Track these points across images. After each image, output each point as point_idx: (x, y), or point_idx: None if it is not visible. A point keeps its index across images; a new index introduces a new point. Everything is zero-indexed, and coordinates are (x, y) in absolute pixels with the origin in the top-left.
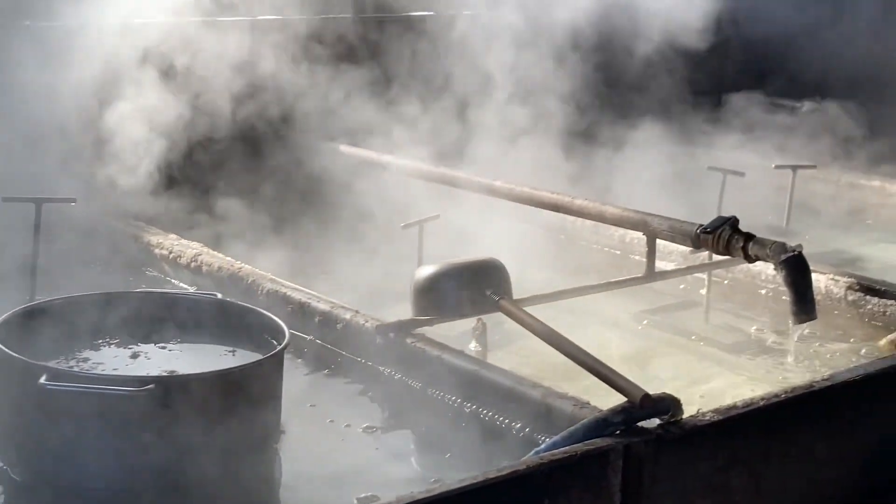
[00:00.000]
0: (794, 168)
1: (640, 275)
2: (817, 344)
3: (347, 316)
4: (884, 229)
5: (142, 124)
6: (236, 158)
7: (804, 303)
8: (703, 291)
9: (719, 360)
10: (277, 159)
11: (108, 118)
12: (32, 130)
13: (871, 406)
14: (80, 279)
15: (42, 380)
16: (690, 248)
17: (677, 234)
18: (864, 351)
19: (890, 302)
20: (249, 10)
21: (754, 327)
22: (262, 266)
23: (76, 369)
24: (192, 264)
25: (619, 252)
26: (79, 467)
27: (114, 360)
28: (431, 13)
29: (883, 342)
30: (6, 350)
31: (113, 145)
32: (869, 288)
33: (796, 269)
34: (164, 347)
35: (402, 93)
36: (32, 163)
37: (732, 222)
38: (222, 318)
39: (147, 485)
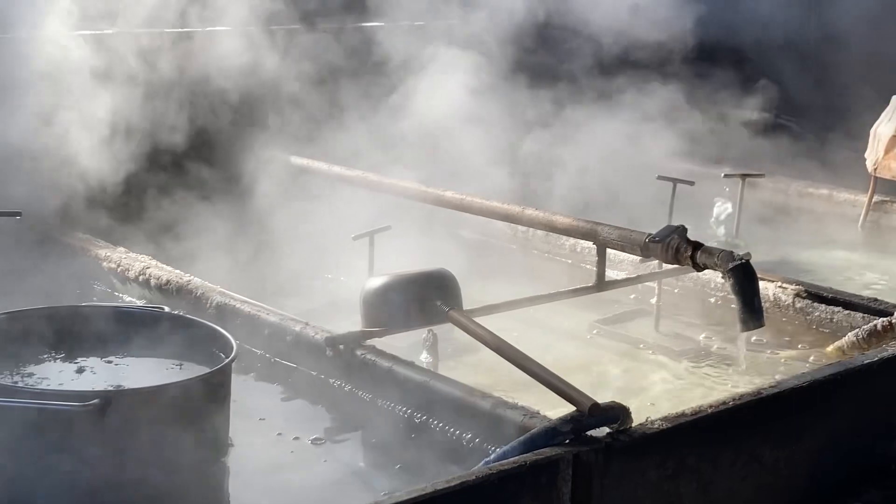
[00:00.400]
0: (743, 177)
1: (590, 284)
2: (769, 351)
3: (297, 328)
4: (832, 237)
5: (87, 136)
6: (185, 172)
7: (752, 310)
8: (654, 300)
9: (669, 368)
10: (226, 171)
11: (54, 130)
12: None
13: (818, 412)
14: (26, 293)
15: None
16: (640, 258)
17: (627, 243)
18: (812, 358)
19: (837, 309)
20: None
21: (703, 335)
22: (211, 279)
23: (20, 384)
24: (141, 277)
25: (570, 261)
26: (22, 484)
27: (59, 375)
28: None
29: (830, 349)
30: None
31: (58, 157)
32: (816, 295)
33: (744, 277)
34: (110, 362)
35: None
36: None
37: (681, 231)
38: (169, 332)
39: (92, 502)
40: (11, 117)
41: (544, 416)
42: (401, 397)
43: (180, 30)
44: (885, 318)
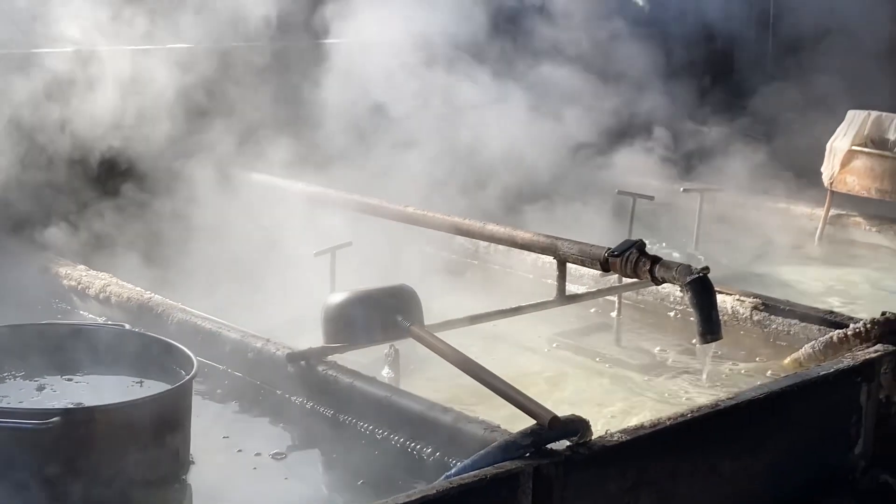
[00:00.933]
0: (702, 191)
1: (551, 298)
2: (730, 363)
3: (258, 344)
4: (788, 250)
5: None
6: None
7: (710, 323)
8: (614, 314)
9: (628, 381)
10: (188, 189)
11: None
12: None
13: (775, 423)
14: None
15: None
16: (600, 272)
17: (587, 257)
18: (769, 372)
19: (793, 321)
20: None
21: (658, 348)
22: (172, 296)
23: None
24: (101, 295)
25: (531, 276)
26: None
27: (19, 393)
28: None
29: (787, 360)
30: None
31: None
32: (773, 308)
33: (701, 291)
34: (70, 379)
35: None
36: None
37: (639, 245)
38: (130, 349)
39: None
40: None
41: (505, 430)
42: (362, 413)
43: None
44: (840, 330)
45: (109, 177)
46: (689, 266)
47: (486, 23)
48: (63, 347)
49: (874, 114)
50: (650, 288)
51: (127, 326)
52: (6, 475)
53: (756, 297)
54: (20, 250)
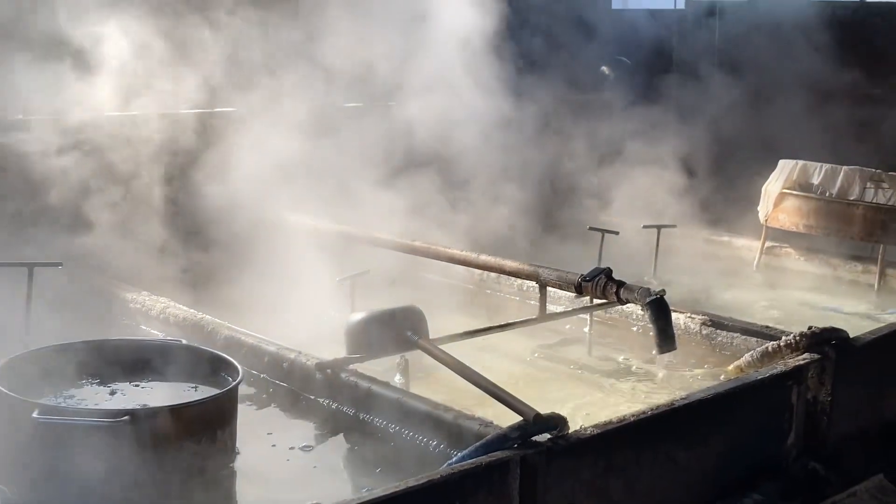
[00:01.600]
0: (659, 227)
1: (534, 316)
2: (687, 370)
3: (292, 356)
4: (730, 275)
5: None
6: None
7: (666, 337)
8: (586, 329)
9: (599, 384)
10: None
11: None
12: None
13: (722, 419)
14: (67, 330)
15: (35, 414)
16: (575, 294)
17: (563, 282)
18: (722, 377)
19: (735, 335)
20: None
21: (622, 357)
22: (221, 316)
23: (63, 404)
24: (161, 316)
25: (517, 298)
26: (65, 487)
27: (95, 397)
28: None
29: (730, 368)
30: (4, 390)
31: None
32: (719, 324)
33: (659, 310)
34: (137, 385)
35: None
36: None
37: (607, 272)
38: (186, 360)
39: (125, 501)
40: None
41: (497, 426)
42: (379, 412)
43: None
44: (774, 342)
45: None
46: (649, 289)
47: None
48: (131, 359)
49: (801, 162)
50: (616, 307)
51: (183, 341)
52: (84, 464)
53: (704, 315)
54: (97, 280)
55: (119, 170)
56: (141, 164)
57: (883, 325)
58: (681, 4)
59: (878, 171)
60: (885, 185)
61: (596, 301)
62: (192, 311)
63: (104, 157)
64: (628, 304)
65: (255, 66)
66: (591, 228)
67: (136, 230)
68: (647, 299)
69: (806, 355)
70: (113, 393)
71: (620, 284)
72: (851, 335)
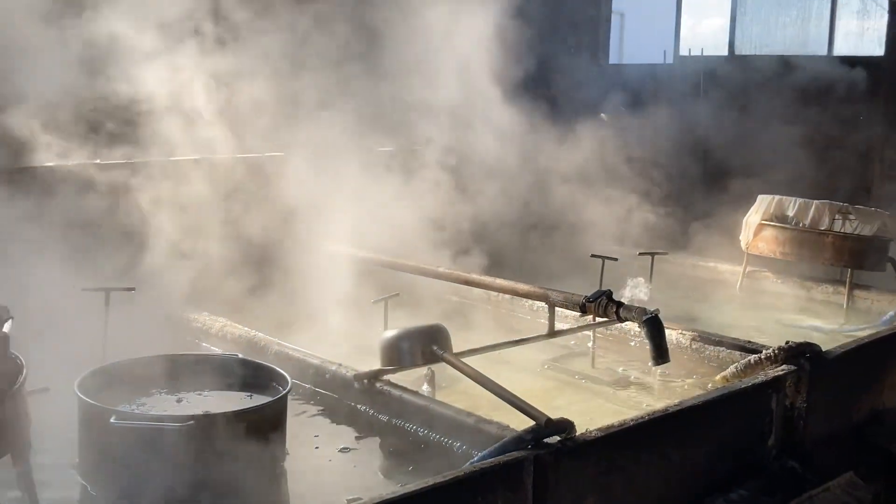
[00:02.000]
0: (653, 254)
1: (543, 333)
2: (679, 380)
3: (333, 367)
4: (716, 297)
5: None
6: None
7: (660, 350)
8: (590, 344)
9: (602, 393)
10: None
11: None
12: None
13: (710, 423)
14: (138, 346)
15: (112, 419)
16: (580, 313)
17: (570, 303)
18: (710, 385)
19: (722, 348)
20: None
21: (622, 368)
22: (272, 333)
23: (136, 411)
24: (220, 333)
25: (528, 317)
26: (139, 484)
27: (164, 404)
28: None
29: (717, 378)
30: (85, 398)
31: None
32: (707, 339)
33: (654, 327)
34: (200, 394)
35: None
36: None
37: (608, 294)
38: (242, 372)
39: (192, 496)
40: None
41: (513, 429)
42: (409, 417)
43: None
44: (756, 355)
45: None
46: (645, 308)
47: None
48: (194, 371)
49: (777, 197)
50: (616, 325)
51: (239, 356)
52: (155, 464)
53: (694, 331)
54: (165, 302)
55: (188, 203)
56: (208, 199)
57: (851, 339)
58: (669, 59)
59: (845, 204)
60: (851, 216)
61: (598, 319)
62: (246, 328)
63: (177, 192)
64: (627, 322)
65: (309, 117)
66: (592, 255)
67: (200, 257)
68: (644, 318)
69: (784, 367)
70: (179, 401)
71: (620, 305)
72: (824, 349)
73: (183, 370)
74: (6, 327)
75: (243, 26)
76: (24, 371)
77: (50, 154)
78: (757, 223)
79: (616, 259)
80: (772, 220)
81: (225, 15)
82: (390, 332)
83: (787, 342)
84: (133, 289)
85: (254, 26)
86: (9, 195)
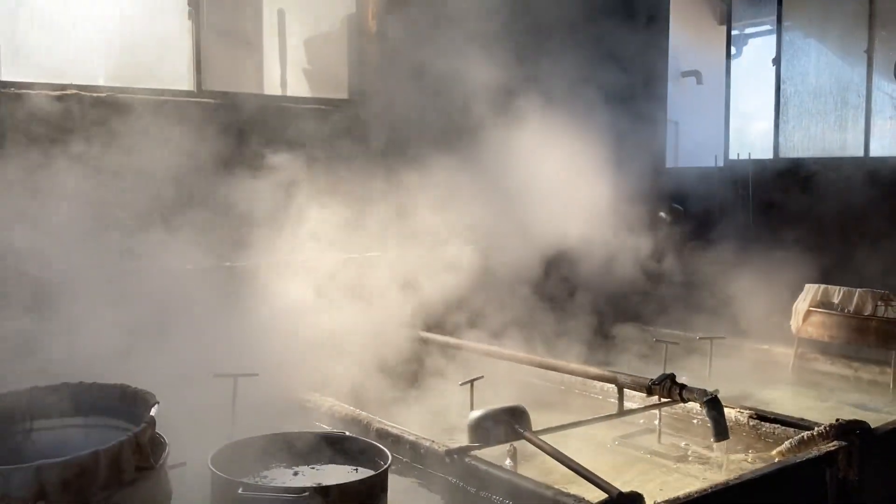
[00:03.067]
0: (711, 338)
1: (613, 412)
2: (742, 456)
3: (427, 443)
4: (770, 378)
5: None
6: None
7: (721, 428)
8: (656, 422)
9: (668, 467)
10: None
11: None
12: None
13: (767, 495)
14: (259, 426)
15: (240, 490)
16: (646, 394)
17: (637, 385)
18: (768, 460)
19: (777, 425)
20: None
21: (684, 443)
22: (373, 412)
23: (260, 483)
24: (328, 413)
25: (600, 397)
26: None
27: (282, 476)
28: None
29: (773, 453)
30: (217, 471)
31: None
32: (763, 417)
33: (714, 406)
34: (313, 467)
35: None
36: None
37: (672, 376)
38: (348, 448)
39: None
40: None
41: (588, 501)
42: (494, 489)
43: None
44: (809, 431)
45: None
46: (705, 390)
47: None
48: (308, 446)
49: (823, 286)
50: (680, 404)
51: (346, 433)
52: None
53: (751, 410)
54: (283, 385)
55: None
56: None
57: None
58: (720, 163)
59: (886, 291)
60: (893, 303)
61: (663, 400)
62: (350, 408)
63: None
64: (689, 402)
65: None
66: (657, 340)
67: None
68: (705, 398)
69: (836, 442)
70: (295, 474)
71: (683, 387)
72: (872, 426)
73: (298, 446)
74: (153, 411)
75: None
76: (167, 448)
77: None
78: (805, 310)
79: (678, 343)
80: (819, 307)
81: None
82: (476, 413)
83: (837, 419)
84: (256, 374)
85: None
86: None
